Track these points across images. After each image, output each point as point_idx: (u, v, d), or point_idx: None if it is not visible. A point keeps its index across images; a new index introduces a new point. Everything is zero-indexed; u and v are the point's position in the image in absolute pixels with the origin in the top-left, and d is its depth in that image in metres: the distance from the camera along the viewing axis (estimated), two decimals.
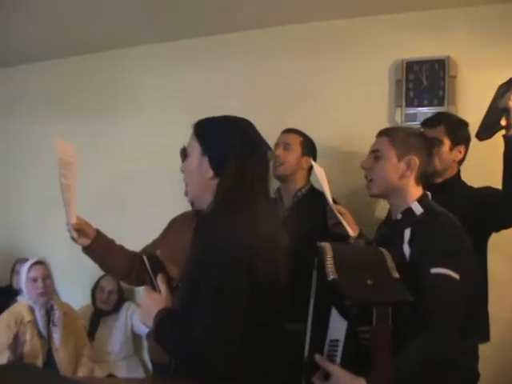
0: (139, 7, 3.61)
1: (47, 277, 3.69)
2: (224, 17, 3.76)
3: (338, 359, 1.72)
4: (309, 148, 3.21)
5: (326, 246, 1.84)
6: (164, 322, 1.73)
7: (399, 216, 2.16)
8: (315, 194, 3.09)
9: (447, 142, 2.76)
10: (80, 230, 2.43)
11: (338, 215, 2.68)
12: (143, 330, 4.02)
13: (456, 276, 1.87)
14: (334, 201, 2.80)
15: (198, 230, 1.82)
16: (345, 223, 2.67)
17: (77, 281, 4.33)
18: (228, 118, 1.91)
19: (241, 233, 1.68)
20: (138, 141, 4.39)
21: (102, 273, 4.19)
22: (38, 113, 5.00)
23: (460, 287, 1.87)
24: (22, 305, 3.66)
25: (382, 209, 3.31)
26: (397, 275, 1.80)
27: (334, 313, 1.74)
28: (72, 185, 2.39)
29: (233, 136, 1.84)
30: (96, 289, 4.29)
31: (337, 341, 1.73)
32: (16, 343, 3.36)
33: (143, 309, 1.82)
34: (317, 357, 1.78)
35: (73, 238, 2.47)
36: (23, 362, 3.24)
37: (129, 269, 2.64)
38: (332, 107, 3.76)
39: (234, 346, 1.62)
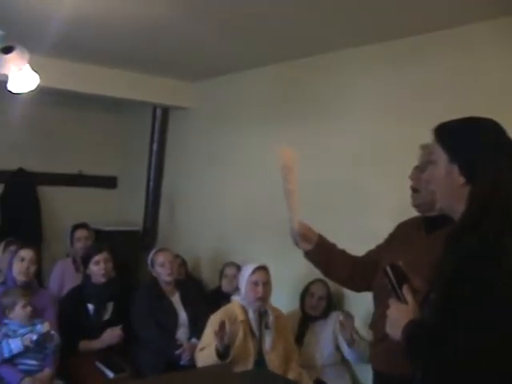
0: (343, 12, 3.57)
1: (267, 282, 3.76)
2: (434, 15, 3.60)
3: None
4: None
5: None
6: (414, 333, 1.67)
7: None
8: None
9: None
10: (303, 234, 2.45)
11: None
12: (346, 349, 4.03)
13: None
14: None
15: (452, 239, 1.72)
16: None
17: (285, 285, 4.37)
18: (472, 119, 1.79)
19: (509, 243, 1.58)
20: (350, 143, 4.34)
21: (311, 278, 4.24)
22: (250, 120, 5.21)
23: None
24: (235, 304, 3.78)
25: None
26: None
27: None
28: (294, 190, 2.43)
29: (483, 139, 1.72)
30: (305, 294, 4.30)
31: None
32: (222, 332, 3.43)
33: (390, 320, 1.77)
34: None
35: (296, 243, 2.49)
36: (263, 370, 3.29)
37: (351, 273, 2.62)
38: None
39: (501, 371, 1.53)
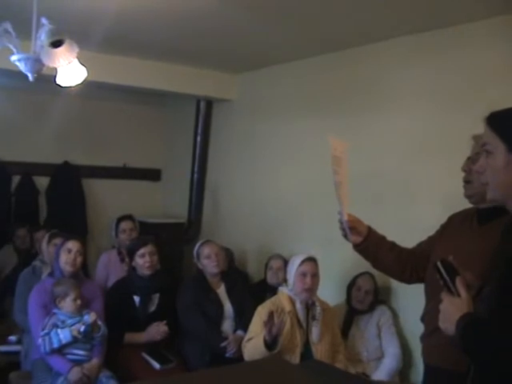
0: (381, 3, 3.52)
1: (316, 274, 3.74)
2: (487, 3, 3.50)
3: None
4: None
5: None
6: (470, 327, 1.62)
7: None
8: None
9: None
10: (352, 227, 2.41)
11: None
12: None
13: None
14: None
15: (508, 231, 1.67)
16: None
17: (331, 278, 4.34)
18: None
19: None
20: (397, 134, 4.27)
21: (358, 270, 4.21)
22: (293, 111, 5.17)
23: None
24: (283, 295, 3.76)
25: None
26: None
27: None
28: (343, 181, 2.39)
29: None
30: (352, 287, 4.26)
31: None
32: (271, 322, 3.42)
33: (444, 314, 1.72)
34: None
35: (345, 236, 2.46)
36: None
37: (402, 266, 2.58)
38: None
39: None
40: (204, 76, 5.63)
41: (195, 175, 6.11)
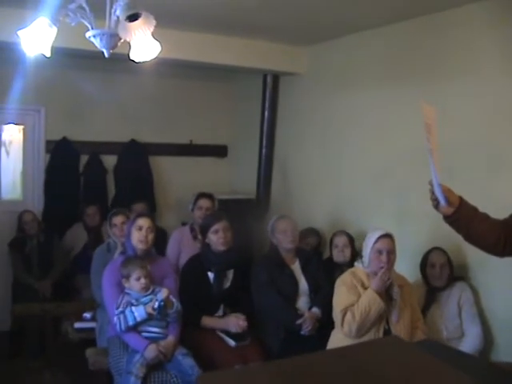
0: None
1: (392, 251, 3.63)
2: None
3: None
4: None
5: None
6: None
7: None
8: None
9: None
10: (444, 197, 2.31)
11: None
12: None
13: None
14: None
15: None
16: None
17: (405, 254, 4.19)
18: None
19: None
20: (475, 103, 4.09)
21: (429, 246, 4.11)
22: (363, 83, 5.04)
23: None
24: (359, 271, 3.68)
25: None
26: None
27: None
28: (435, 149, 2.29)
29: None
30: (425, 265, 4.14)
31: None
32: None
33: None
34: None
35: (435, 207, 2.36)
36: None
37: (496, 238, 2.46)
38: None
39: None
40: (271, 50, 5.55)
41: (263, 150, 6.07)
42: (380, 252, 3.57)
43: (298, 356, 1.55)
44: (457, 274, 4.14)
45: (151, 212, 5.81)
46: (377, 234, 3.62)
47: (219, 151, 7.06)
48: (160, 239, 4.80)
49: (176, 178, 6.66)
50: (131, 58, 3.07)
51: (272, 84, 5.96)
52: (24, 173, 6.21)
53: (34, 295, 5.34)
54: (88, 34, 2.87)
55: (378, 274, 3.48)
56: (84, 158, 6.26)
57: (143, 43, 2.92)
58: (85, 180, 6.25)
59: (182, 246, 4.89)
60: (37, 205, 6.06)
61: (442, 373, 1.36)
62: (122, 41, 2.84)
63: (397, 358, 1.45)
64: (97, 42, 2.88)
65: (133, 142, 6.44)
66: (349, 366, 1.43)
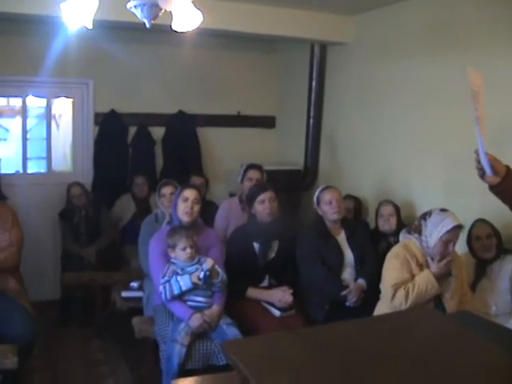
0: None
1: (456, 242, 3.48)
2: None
3: None
4: None
5: None
6: None
7: None
8: None
9: None
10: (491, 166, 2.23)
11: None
12: None
13: None
14: None
15: None
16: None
17: None
18: None
19: None
20: None
21: (476, 216, 4.01)
22: (411, 52, 4.89)
23: None
24: (413, 245, 3.53)
25: None
26: None
27: None
28: (481, 116, 2.20)
29: None
30: (471, 239, 4.02)
31: None
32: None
33: None
34: None
35: (481, 176, 2.28)
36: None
37: None
38: None
39: None
40: (318, 19, 5.45)
41: (311, 121, 6.00)
42: (447, 243, 3.41)
43: (327, 324, 1.53)
44: (508, 246, 4.03)
45: (207, 186, 5.83)
46: (451, 224, 3.38)
47: (267, 122, 7.01)
48: (208, 211, 4.82)
49: (224, 150, 6.67)
50: (173, 28, 3.05)
51: (319, 54, 5.87)
52: (74, 145, 6.31)
53: (81, 264, 5.46)
54: (129, 5, 2.86)
55: (441, 262, 3.37)
56: (132, 130, 6.30)
57: (184, 12, 2.90)
58: (133, 151, 6.31)
59: (230, 218, 4.88)
60: (86, 176, 6.17)
61: (470, 343, 1.33)
62: (162, 11, 2.82)
63: (429, 328, 1.42)
64: (138, 13, 2.87)
65: (180, 113, 6.45)
66: (378, 335, 1.42)
